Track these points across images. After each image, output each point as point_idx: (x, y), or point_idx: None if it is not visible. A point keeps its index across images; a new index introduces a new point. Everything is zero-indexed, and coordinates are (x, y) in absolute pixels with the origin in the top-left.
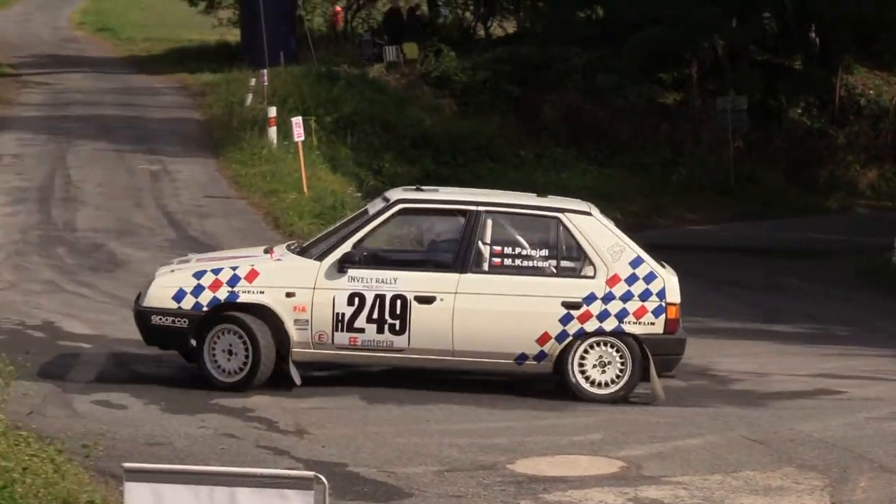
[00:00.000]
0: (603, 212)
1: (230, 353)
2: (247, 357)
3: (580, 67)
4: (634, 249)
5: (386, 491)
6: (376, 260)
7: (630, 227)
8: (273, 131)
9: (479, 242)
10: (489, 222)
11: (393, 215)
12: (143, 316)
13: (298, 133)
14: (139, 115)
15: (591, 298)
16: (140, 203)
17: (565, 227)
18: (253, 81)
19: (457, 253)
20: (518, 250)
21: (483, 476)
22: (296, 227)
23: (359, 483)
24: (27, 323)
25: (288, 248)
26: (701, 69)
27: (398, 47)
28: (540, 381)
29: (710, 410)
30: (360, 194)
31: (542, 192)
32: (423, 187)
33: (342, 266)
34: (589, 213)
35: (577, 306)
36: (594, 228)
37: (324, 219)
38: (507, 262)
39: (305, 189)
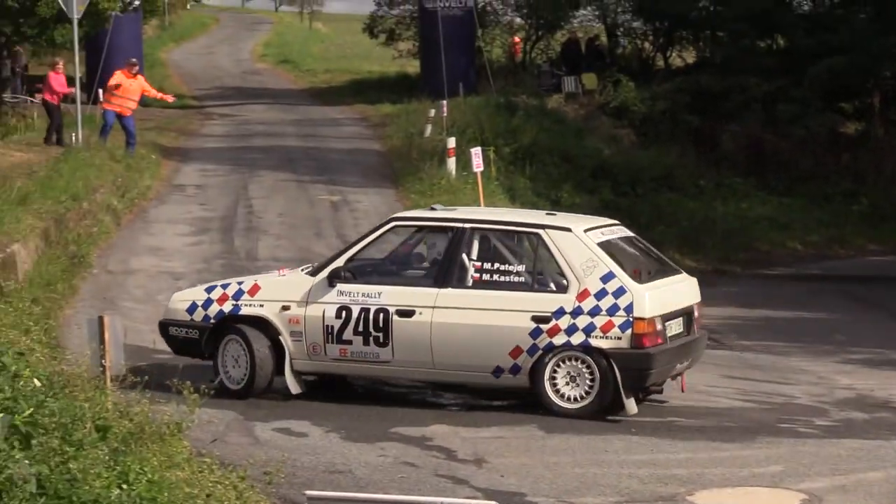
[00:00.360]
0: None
1: (236, 362)
2: (248, 366)
3: (760, 97)
4: (608, 265)
5: None
6: (365, 275)
7: (810, 257)
8: (452, 162)
9: (464, 258)
10: (474, 239)
11: (385, 232)
12: (163, 327)
13: (477, 163)
14: (320, 146)
15: (560, 313)
16: (320, 233)
17: (544, 243)
18: (432, 112)
19: (439, 268)
20: (497, 266)
21: None
22: None
23: None
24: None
25: (303, 268)
26: (883, 98)
27: (577, 78)
28: (712, 412)
29: (894, 443)
30: None
31: (551, 211)
32: (436, 206)
33: (332, 281)
34: (569, 230)
35: (546, 320)
36: (571, 244)
37: None
38: (487, 277)
39: None
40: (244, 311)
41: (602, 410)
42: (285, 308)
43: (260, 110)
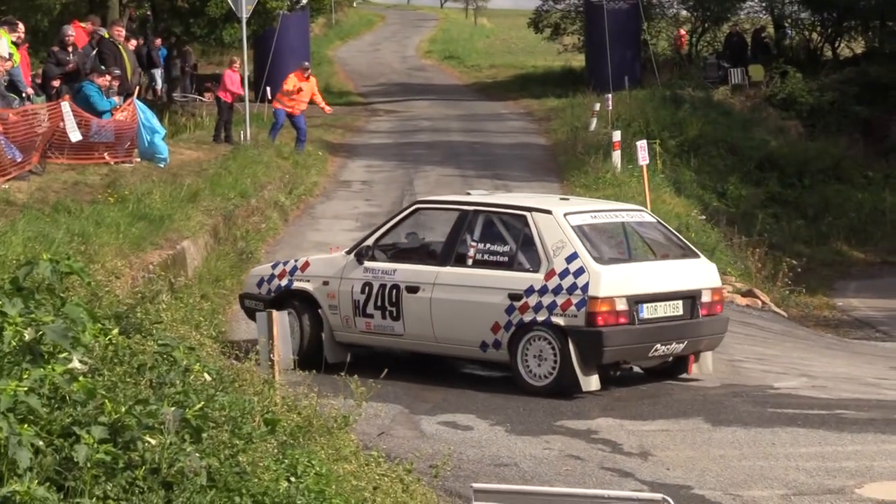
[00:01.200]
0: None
1: (291, 332)
2: (301, 338)
3: None
4: (574, 246)
5: None
6: (388, 253)
7: None
8: (617, 155)
9: (468, 238)
10: (478, 221)
11: (410, 214)
12: (241, 300)
13: (643, 156)
14: (484, 141)
15: (530, 291)
16: None
17: (528, 225)
18: (597, 106)
19: (443, 248)
20: (489, 246)
21: (831, 500)
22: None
23: None
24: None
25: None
26: None
27: (743, 69)
28: (881, 405)
29: None
30: (704, 217)
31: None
32: (471, 192)
33: (359, 259)
34: (549, 212)
35: (518, 298)
36: (548, 226)
37: None
38: (481, 256)
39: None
40: (295, 285)
41: (565, 388)
42: (325, 283)
43: (425, 106)
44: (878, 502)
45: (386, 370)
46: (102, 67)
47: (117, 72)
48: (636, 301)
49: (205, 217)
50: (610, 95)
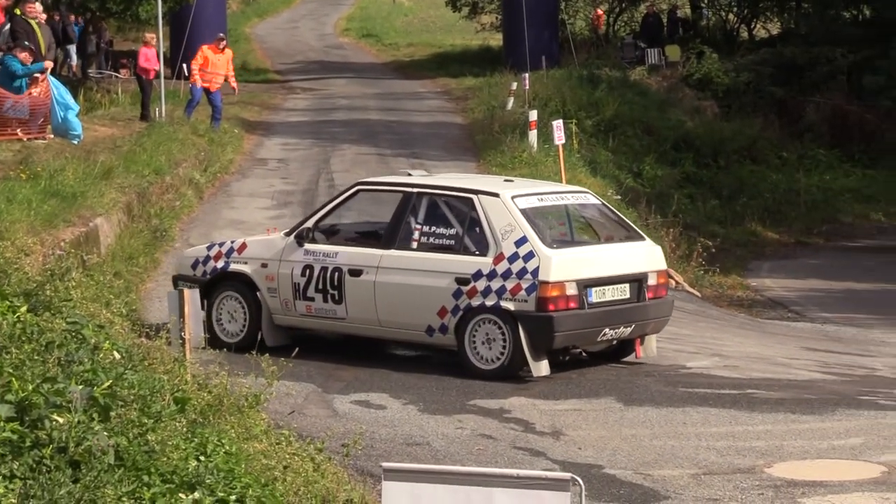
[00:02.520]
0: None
1: (231, 316)
2: (245, 320)
3: (845, 68)
4: (523, 229)
5: (641, 493)
6: (328, 235)
7: (894, 229)
8: (534, 135)
9: (412, 221)
10: (422, 203)
11: (350, 196)
12: (174, 281)
13: (559, 136)
14: (401, 120)
15: (478, 275)
16: None
17: (475, 208)
18: (514, 85)
19: (386, 231)
20: (434, 229)
21: (740, 480)
22: None
23: (614, 485)
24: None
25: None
26: None
27: (660, 50)
28: (792, 385)
29: None
30: (619, 197)
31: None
32: (412, 173)
33: (299, 241)
34: (497, 195)
35: (466, 282)
36: (495, 209)
37: None
38: (426, 239)
39: None
40: (232, 267)
41: (514, 372)
42: (264, 265)
43: (342, 84)
44: (788, 481)
45: (297, 349)
46: (14, 43)
47: (31, 47)
48: (585, 285)
49: (118, 194)
50: (527, 75)
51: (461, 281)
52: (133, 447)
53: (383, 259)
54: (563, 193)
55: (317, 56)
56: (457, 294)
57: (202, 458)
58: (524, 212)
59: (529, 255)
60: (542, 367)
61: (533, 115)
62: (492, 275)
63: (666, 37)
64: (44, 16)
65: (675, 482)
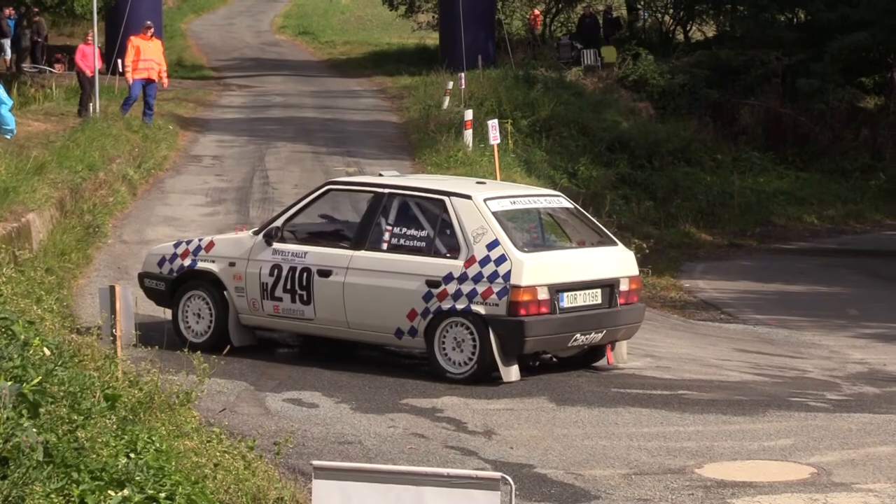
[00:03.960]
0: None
1: (197, 315)
2: (211, 319)
3: (780, 71)
4: (495, 233)
5: (572, 493)
6: (298, 235)
7: (826, 232)
8: (469, 134)
9: (383, 222)
10: (393, 204)
11: (320, 195)
12: (140, 279)
13: (494, 136)
14: (337, 118)
15: (449, 278)
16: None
17: (446, 210)
18: (450, 84)
19: (357, 231)
20: (405, 230)
21: (671, 480)
22: None
23: (545, 485)
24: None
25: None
26: None
27: (596, 51)
28: (723, 386)
29: None
30: None
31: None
32: (383, 173)
33: (268, 240)
34: (469, 197)
35: (437, 285)
36: (467, 211)
37: None
38: (396, 241)
39: None
40: (199, 265)
41: (484, 376)
42: (231, 264)
43: (278, 82)
44: (718, 482)
45: (228, 347)
46: None
47: None
48: (557, 290)
49: (51, 190)
50: (463, 74)
51: (432, 283)
52: (62, 444)
53: (353, 260)
54: (535, 196)
55: (253, 53)
56: (427, 297)
57: (132, 455)
58: (496, 214)
59: (501, 259)
60: (511, 373)
61: (468, 115)
62: (463, 278)
63: (602, 38)
64: None
65: (606, 482)
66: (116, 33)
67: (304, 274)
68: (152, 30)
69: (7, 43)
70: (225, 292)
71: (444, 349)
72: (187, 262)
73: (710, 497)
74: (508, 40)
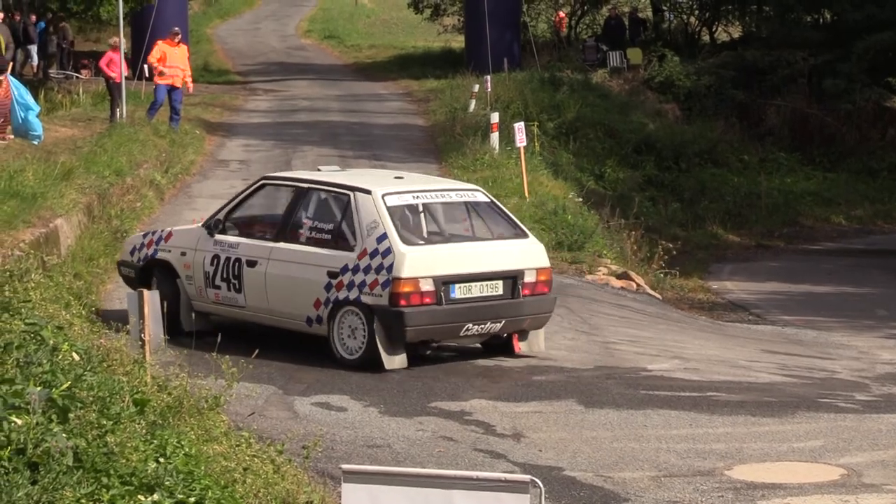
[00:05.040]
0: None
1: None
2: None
3: (806, 72)
4: (385, 226)
5: (602, 496)
6: (235, 227)
7: (854, 232)
8: (495, 137)
9: (303, 215)
10: (311, 198)
11: (256, 189)
12: (117, 267)
13: (521, 138)
14: (363, 122)
15: (345, 269)
16: None
17: (350, 204)
18: (476, 87)
19: (279, 224)
20: (317, 223)
21: (700, 482)
22: None
23: (575, 487)
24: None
25: None
26: None
27: (622, 52)
28: (752, 387)
29: None
30: (580, 199)
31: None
32: (322, 168)
33: (210, 231)
34: (369, 192)
35: (335, 276)
36: (366, 205)
37: (545, 224)
38: (310, 234)
39: (527, 194)
40: (159, 255)
41: (372, 362)
42: (183, 254)
43: (304, 86)
44: (747, 484)
45: (257, 350)
46: None
47: None
48: (445, 282)
49: (79, 195)
50: (489, 77)
51: (331, 274)
52: (92, 449)
53: (273, 251)
54: (449, 191)
55: (278, 57)
56: (328, 287)
57: (161, 459)
58: (391, 209)
59: (387, 252)
60: (395, 361)
61: (495, 118)
62: (356, 269)
63: (628, 39)
64: (0, 14)
65: (635, 484)
66: (142, 39)
67: (237, 264)
68: (180, 36)
69: (34, 49)
70: (178, 280)
71: (341, 336)
72: (150, 251)
73: (739, 499)
74: (534, 42)
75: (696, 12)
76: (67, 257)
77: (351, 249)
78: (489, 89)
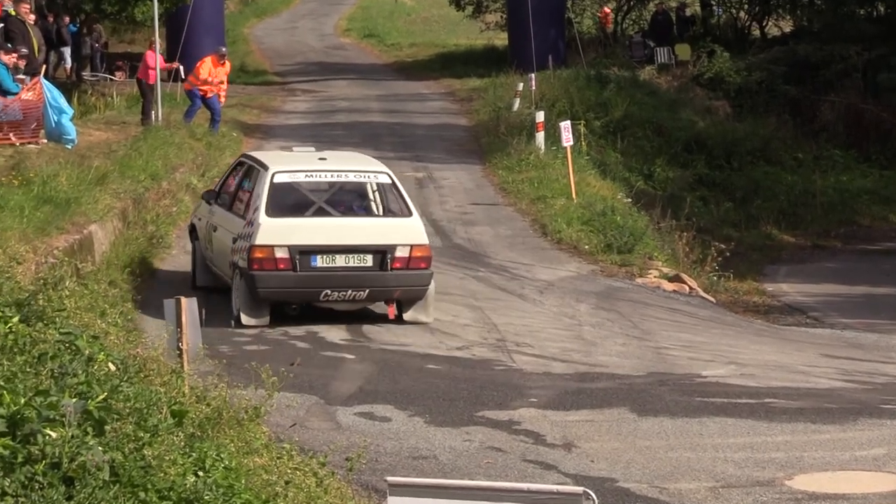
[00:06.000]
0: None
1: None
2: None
3: (860, 66)
4: (262, 199)
5: None
6: (220, 197)
7: None
8: (541, 136)
9: (243, 188)
10: (250, 173)
11: (236, 165)
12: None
13: (567, 138)
14: (405, 122)
15: (237, 236)
16: None
17: (257, 179)
18: (521, 86)
19: (231, 195)
20: (243, 196)
21: (759, 493)
22: (564, 235)
23: (629, 499)
24: (290, 333)
25: None
26: None
27: (670, 49)
28: (811, 393)
29: None
30: (629, 200)
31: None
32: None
33: (208, 201)
34: (267, 168)
35: (235, 241)
36: (261, 181)
37: (593, 225)
38: (238, 204)
39: (574, 195)
40: (193, 221)
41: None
42: (199, 219)
43: (343, 86)
44: (809, 494)
45: (299, 358)
46: (9, 45)
47: (24, 50)
48: (304, 251)
49: (113, 200)
50: (533, 75)
51: (234, 240)
52: (129, 462)
53: (222, 218)
54: (349, 172)
55: (317, 57)
56: (232, 251)
57: (201, 473)
58: (275, 185)
59: (254, 222)
60: (250, 319)
61: (540, 117)
62: (241, 236)
63: (675, 35)
64: (33, 17)
65: (691, 496)
66: (178, 39)
67: (211, 228)
68: (226, 56)
69: (67, 52)
70: (196, 242)
71: (238, 294)
72: (192, 219)
73: None
74: (579, 39)
75: (746, 6)
76: (102, 264)
77: (245, 218)
78: (534, 87)
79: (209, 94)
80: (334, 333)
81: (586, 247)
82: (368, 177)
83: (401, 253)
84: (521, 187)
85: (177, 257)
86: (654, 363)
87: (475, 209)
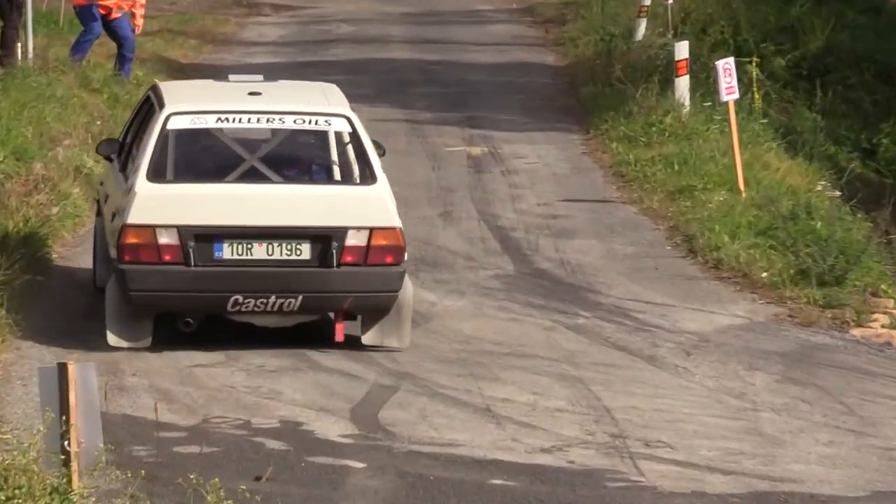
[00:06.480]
0: None
1: None
2: None
3: None
4: (145, 156)
5: None
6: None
7: None
8: (684, 83)
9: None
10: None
11: (141, 105)
12: None
13: (729, 86)
14: (450, 60)
15: (116, 213)
16: (451, 211)
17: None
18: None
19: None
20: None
21: None
22: (726, 254)
23: None
24: (256, 423)
25: None
26: None
27: None
28: None
29: None
30: (838, 193)
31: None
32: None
33: (106, 157)
34: (163, 107)
35: (113, 218)
36: (152, 128)
37: (775, 237)
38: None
39: (742, 186)
40: (97, 188)
41: None
42: (101, 185)
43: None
44: None
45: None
46: None
47: None
48: (202, 235)
49: None
50: None
51: (113, 216)
52: None
53: (111, 184)
54: (284, 114)
55: None
56: (111, 234)
57: None
58: (169, 133)
59: (131, 189)
60: (119, 340)
61: (682, 51)
62: (118, 211)
63: None
64: None
65: None
66: None
67: (104, 198)
68: None
69: None
70: (99, 219)
71: (107, 300)
72: (97, 186)
73: None
74: None
75: None
76: None
77: (131, 183)
78: (670, 1)
79: (115, 14)
80: (330, 424)
81: (764, 275)
82: (316, 122)
83: (354, 240)
84: (649, 172)
85: (59, 294)
86: (885, 475)
87: (571, 209)
